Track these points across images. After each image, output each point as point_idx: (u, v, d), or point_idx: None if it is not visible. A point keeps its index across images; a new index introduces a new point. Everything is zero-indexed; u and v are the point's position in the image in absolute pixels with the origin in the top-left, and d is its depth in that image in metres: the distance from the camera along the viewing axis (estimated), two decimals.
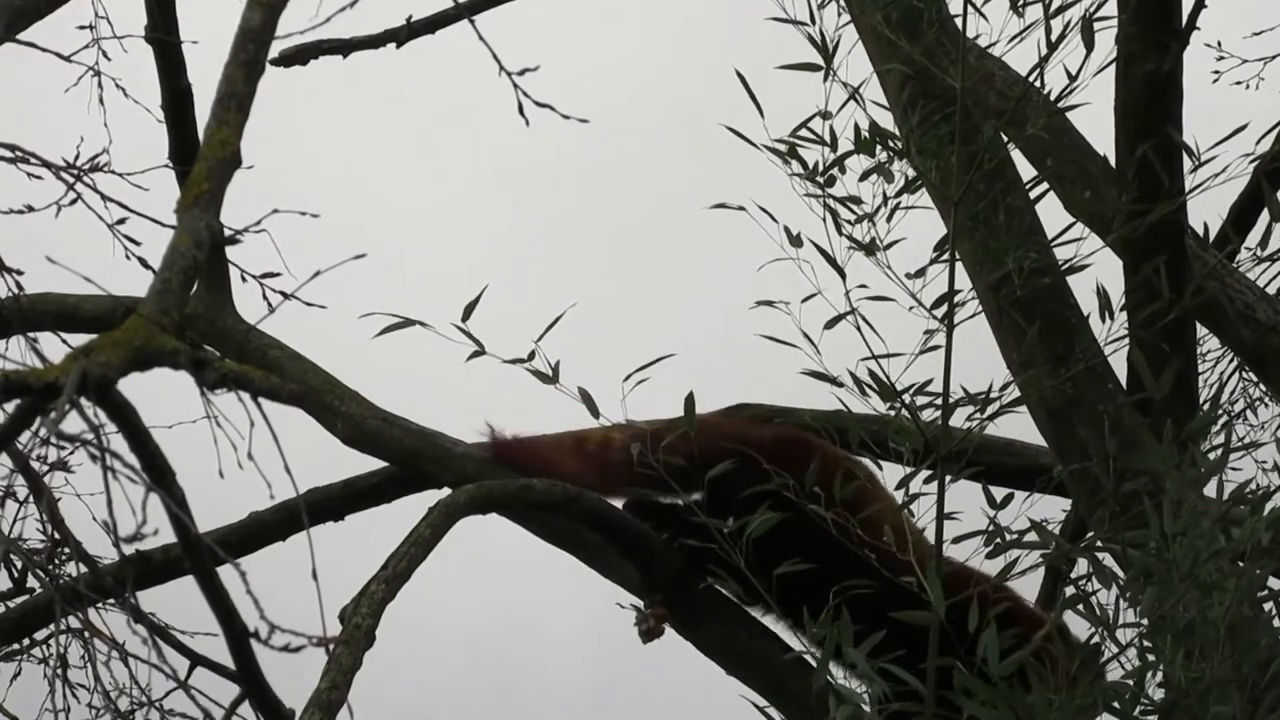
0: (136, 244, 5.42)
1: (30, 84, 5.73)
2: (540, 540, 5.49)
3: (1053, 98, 4.53)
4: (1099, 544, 4.15)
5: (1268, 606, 4.05)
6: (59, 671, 5.55)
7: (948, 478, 4.33)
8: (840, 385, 4.41)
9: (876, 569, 4.38)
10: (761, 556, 4.52)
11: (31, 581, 5.87)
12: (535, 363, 4.63)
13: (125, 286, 4.67)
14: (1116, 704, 3.84)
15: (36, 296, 5.60)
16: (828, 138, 4.46)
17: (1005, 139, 4.92)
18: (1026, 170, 5.32)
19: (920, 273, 4.41)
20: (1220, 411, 6.00)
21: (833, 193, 4.46)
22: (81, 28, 5.79)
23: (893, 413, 4.38)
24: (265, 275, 5.52)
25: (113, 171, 5.47)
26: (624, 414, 4.56)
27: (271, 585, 2.67)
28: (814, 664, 4.54)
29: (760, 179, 4.52)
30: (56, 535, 5.58)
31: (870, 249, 4.44)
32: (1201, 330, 5.79)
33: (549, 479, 5.17)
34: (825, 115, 4.47)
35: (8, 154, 4.99)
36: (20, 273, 5.20)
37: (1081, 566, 4.24)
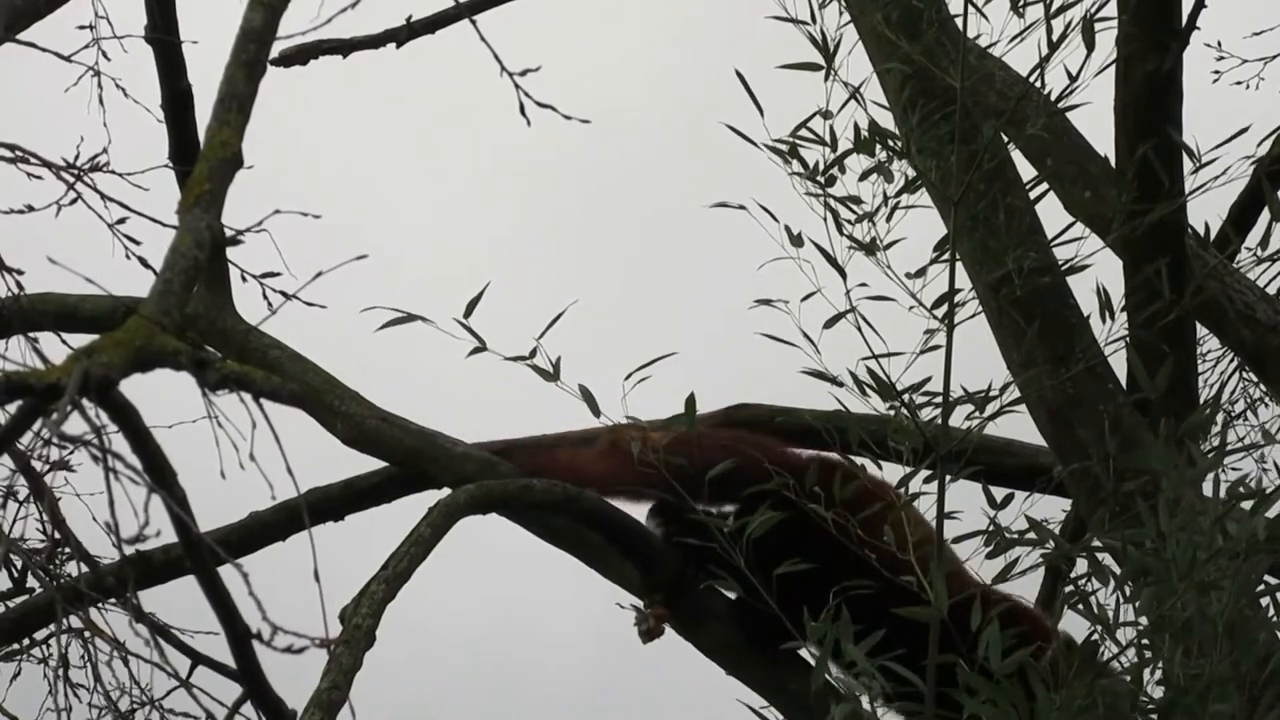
0: (137, 244, 5.43)
1: (30, 84, 5.73)
2: (540, 540, 5.49)
3: (1053, 98, 4.53)
4: (1098, 543, 4.15)
5: (1265, 604, 4.05)
6: (60, 671, 5.55)
7: (947, 477, 4.34)
8: (840, 385, 4.41)
9: (916, 595, 4.32)
10: (801, 591, 4.48)
11: (32, 581, 5.87)
12: (536, 360, 4.63)
13: (125, 286, 4.68)
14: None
15: (37, 296, 5.60)
16: (828, 137, 4.46)
17: (1005, 139, 4.92)
18: (1026, 170, 5.33)
19: (920, 272, 4.42)
20: (1220, 411, 6.00)
21: (833, 192, 4.46)
22: (81, 28, 5.80)
23: (892, 412, 4.38)
24: (266, 275, 5.52)
25: (113, 171, 5.48)
26: (624, 412, 4.56)
27: (272, 585, 2.67)
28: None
29: (761, 178, 4.52)
30: (57, 535, 5.58)
31: (870, 249, 4.44)
32: (1201, 330, 5.79)
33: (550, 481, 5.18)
34: (826, 115, 4.47)
35: (8, 154, 4.99)
36: (21, 272, 5.21)
37: (1081, 566, 4.23)
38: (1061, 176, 5.43)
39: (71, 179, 5.28)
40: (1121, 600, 3.95)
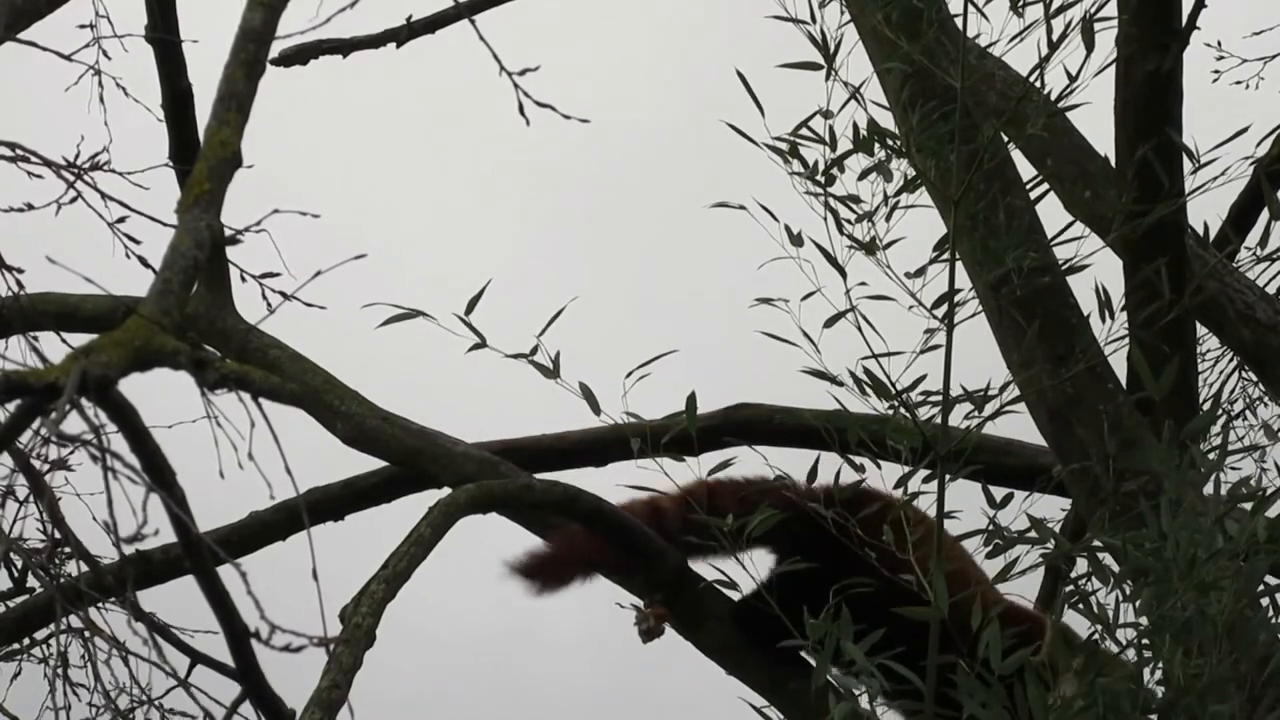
0: (137, 243, 5.42)
1: (30, 83, 5.73)
2: (540, 540, 5.48)
3: (1053, 98, 4.53)
4: (1098, 543, 4.15)
5: (1265, 604, 4.05)
6: (59, 671, 5.54)
7: (947, 477, 4.33)
8: (840, 384, 4.41)
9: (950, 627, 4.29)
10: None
11: (32, 581, 5.87)
12: (536, 358, 4.64)
13: (125, 286, 4.68)
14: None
15: (37, 296, 5.60)
16: (828, 137, 4.46)
17: (1005, 139, 4.92)
18: (1026, 170, 5.33)
19: (920, 272, 4.42)
20: (1220, 411, 6.00)
21: (833, 192, 4.46)
22: (82, 27, 5.79)
23: (891, 412, 4.38)
24: (265, 275, 5.52)
25: (113, 170, 5.47)
26: (624, 410, 4.57)
27: (271, 585, 2.67)
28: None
29: (761, 178, 4.52)
30: (57, 535, 5.58)
31: (870, 248, 4.44)
32: (1201, 330, 5.79)
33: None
34: (826, 114, 4.47)
35: (8, 152, 4.98)
36: (21, 272, 5.19)
37: (1081, 566, 4.23)
38: (1061, 176, 5.43)
39: (72, 178, 5.27)
40: (1121, 600, 3.95)
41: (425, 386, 7.34)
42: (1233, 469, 4.14)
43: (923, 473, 4.37)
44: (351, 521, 5.76)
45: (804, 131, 4.48)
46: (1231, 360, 7.14)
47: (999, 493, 4.37)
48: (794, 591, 4.73)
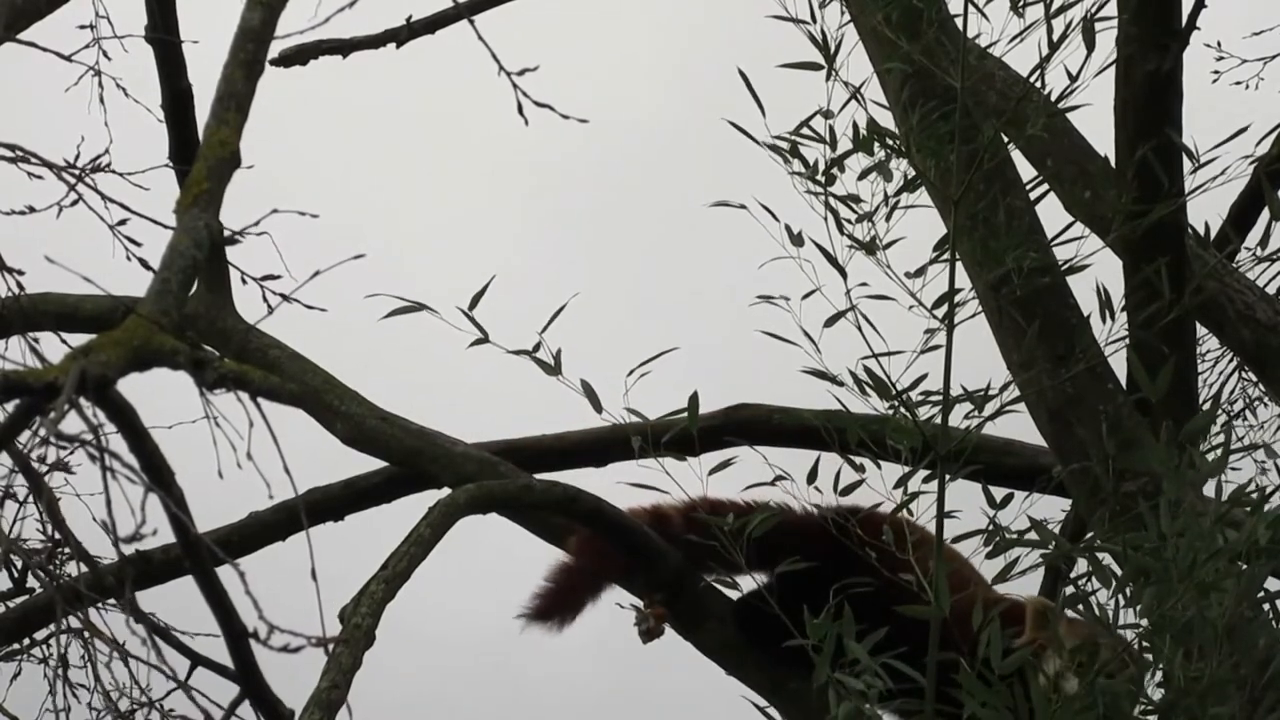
0: (137, 244, 5.41)
1: (30, 84, 5.73)
2: (541, 540, 5.48)
3: (1053, 98, 4.53)
4: (1098, 544, 4.15)
5: (1266, 607, 4.05)
6: (59, 671, 5.55)
7: (947, 477, 4.33)
8: (840, 384, 4.41)
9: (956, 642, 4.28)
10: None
11: (31, 581, 5.87)
12: (538, 355, 4.64)
13: (126, 287, 4.66)
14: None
15: (37, 296, 5.60)
16: (828, 137, 4.46)
17: (1005, 139, 4.92)
18: (1026, 170, 5.33)
19: (920, 272, 4.41)
20: (1220, 411, 6.00)
21: (833, 191, 4.46)
22: (82, 27, 5.79)
23: (891, 412, 4.38)
24: (265, 278, 5.51)
25: (113, 172, 5.47)
26: (625, 408, 4.58)
27: (271, 585, 2.67)
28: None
29: (761, 178, 4.52)
30: (56, 535, 5.58)
31: (870, 248, 4.44)
32: (1201, 330, 5.79)
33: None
34: (826, 114, 4.47)
35: (9, 154, 4.98)
36: (21, 273, 5.19)
37: (1081, 566, 4.23)
38: (1061, 177, 5.43)
39: (72, 179, 5.27)
40: (1122, 601, 3.95)
41: (425, 386, 7.34)
42: (1233, 469, 4.14)
43: (923, 473, 4.37)
44: (351, 521, 5.76)
45: (804, 131, 4.48)
46: (1231, 360, 7.14)
47: (999, 493, 4.37)
48: (794, 591, 4.73)
